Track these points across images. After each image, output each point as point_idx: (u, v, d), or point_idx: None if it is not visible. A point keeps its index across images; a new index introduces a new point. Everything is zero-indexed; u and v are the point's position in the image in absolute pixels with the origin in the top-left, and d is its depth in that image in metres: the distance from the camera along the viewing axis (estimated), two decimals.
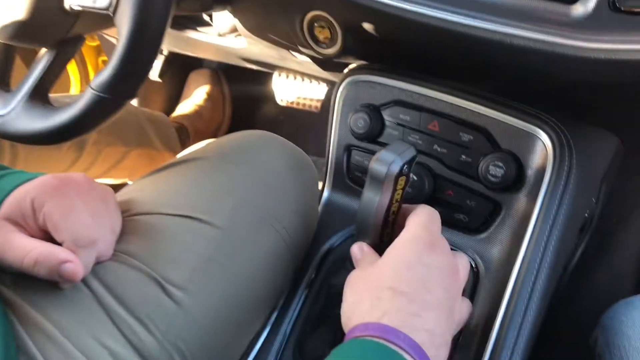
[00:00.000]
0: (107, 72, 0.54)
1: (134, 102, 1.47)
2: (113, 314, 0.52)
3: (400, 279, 0.48)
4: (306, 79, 1.35)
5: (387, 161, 0.54)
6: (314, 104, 1.39)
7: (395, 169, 0.54)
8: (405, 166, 0.55)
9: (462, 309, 0.52)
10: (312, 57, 0.79)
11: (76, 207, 0.51)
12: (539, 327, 0.55)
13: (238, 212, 0.59)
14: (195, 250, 0.56)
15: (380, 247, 0.59)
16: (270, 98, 1.47)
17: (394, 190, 0.55)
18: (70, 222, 0.50)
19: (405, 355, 0.43)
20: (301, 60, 0.90)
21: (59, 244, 0.50)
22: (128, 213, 0.60)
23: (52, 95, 0.98)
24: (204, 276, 0.55)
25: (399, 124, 0.71)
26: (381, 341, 0.44)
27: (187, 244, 0.56)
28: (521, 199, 0.64)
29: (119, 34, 0.52)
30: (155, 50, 0.54)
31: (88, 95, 0.56)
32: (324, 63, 0.81)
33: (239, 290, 0.57)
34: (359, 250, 0.56)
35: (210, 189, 0.60)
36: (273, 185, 0.63)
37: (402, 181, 0.56)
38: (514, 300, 0.55)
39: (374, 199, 0.56)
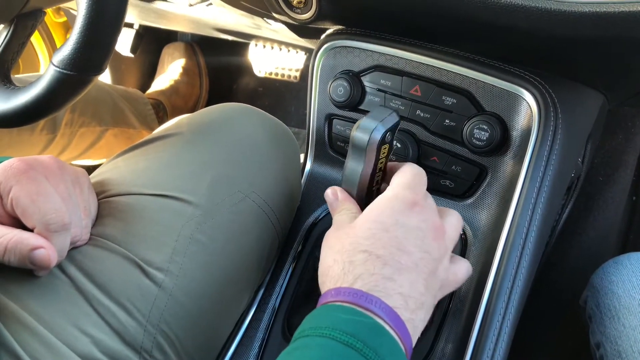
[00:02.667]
0: (68, 47, 0.51)
1: (107, 79, 1.42)
2: (93, 300, 0.50)
3: (375, 240, 0.46)
4: (284, 48, 1.31)
5: (368, 129, 0.52)
6: (293, 73, 1.36)
7: (378, 136, 0.52)
8: (388, 133, 0.53)
9: (456, 270, 0.50)
10: (287, 24, 0.76)
11: (45, 191, 0.48)
12: (529, 291, 0.55)
13: (217, 189, 0.57)
14: (175, 230, 0.54)
15: None
16: (248, 69, 1.43)
17: (377, 158, 0.53)
18: (39, 207, 0.47)
19: (378, 320, 0.41)
20: (277, 28, 0.87)
21: (30, 230, 0.48)
22: (103, 195, 0.57)
23: (17, 75, 0.94)
24: (185, 256, 0.53)
25: (380, 90, 0.69)
26: (353, 306, 0.42)
27: (166, 224, 0.54)
28: (507, 162, 0.63)
29: (78, 4, 0.49)
30: (118, 20, 0.51)
31: (50, 72, 0.52)
32: (300, 29, 0.79)
33: (222, 269, 0.55)
34: (333, 195, 0.54)
35: (187, 165, 0.58)
36: (253, 158, 0.61)
37: (385, 149, 0.54)
38: (504, 264, 0.54)
39: (357, 169, 0.54)
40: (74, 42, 0.50)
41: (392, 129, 0.54)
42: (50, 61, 0.52)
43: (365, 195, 0.55)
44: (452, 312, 0.57)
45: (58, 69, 0.52)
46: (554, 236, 0.81)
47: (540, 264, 0.64)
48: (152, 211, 0.55)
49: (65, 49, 0.51)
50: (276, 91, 1.47)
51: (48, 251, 0.46)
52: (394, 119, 0.54)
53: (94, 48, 0.52)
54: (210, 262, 0.55)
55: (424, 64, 0.66)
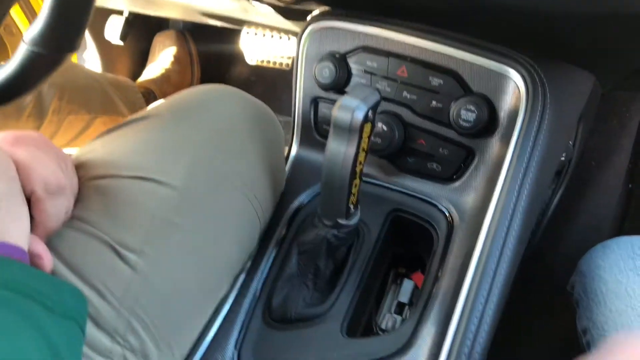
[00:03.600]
0: (38, 24, 0.49)
1: (98, 67, 1.41)
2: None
3: None
4: (275, 35, 1.29)
5: (350, 107, 0.51)
6: (285, 61, 1.34)
7: (361, 115, 0.50)
8: (370, 111, 0.52)
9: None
10: (272, 6, 0.75)
11: (40, 156, 0.48)
12: (514, 275, 0.53)
13: (195, 170, 0.55)
14: (150, 212, 0.52)
15: (348, 200, 0.56)
16: (240, 58, 1.41)
17: (360, 138, 0.52)
18: (37, 169, 0.47)
19: None
20: (264, 11, 0.85)
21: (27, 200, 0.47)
22: (80, 178, 0.56)
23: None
24: (160, 239, 0.52)
25: (366, 72, 0.67)
26: None
27: (141, 206, 0.53)
28: (495, 144, 0.61)
29: None
30: None
31: (22, 51, 0.51)
32: (286, 11, 0.77)
33: (200, 253, 0.54)
34: None
35: (164, 147, 0.56)
36: (233, 140, 0.59)
37: (367, 128, 0.53)
38: (488, 246, 0.53)
39: (340, 150, 0.52)
40: (44, 19, 0.49)
41: (374, 107, 0.52)
42: (22, 39, 0.51)
43: (349, 178, 0.53)
44: (435, 295, 0.55)
45: (29, 48, 0.51)
46: (544, 222, 0.79)
47: (529, 249, 0.63)
48: (128, 193, 0.53)
49: (36, 27, 0.50)
50: (269, 80, 1.45)
51: (45, 261, 0.46)
52: (375, 97, 0.52)
53: (65, 25, 0.50)
54: (187, 245, 0.53)
55: (410, 44, 0.64)
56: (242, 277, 0.61)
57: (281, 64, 1.35)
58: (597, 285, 0.59)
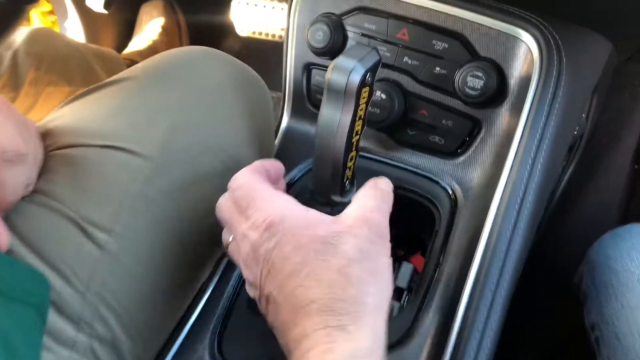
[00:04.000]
0: None
1: (80, 37, 1.34)
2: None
3: None
4: (268, 4, 1.23)
5: (346, 69, 0.45)
6: (278, 32, 1.28)
7: (357, 77, 0.45)
8: (369, 74, 0.46)
9: None
10: None
11: None
12: (524, 260, 0.48)
13: (172, 139, 0.50)
14: (121, 185, 0.47)
15: (343, 175, 0.51)
16: (231, 29, 1.34)
17: (357, 104, 0.46)
18: None
19: None
20: None
21: None
22: (46, 148, 0.50)
23: None
24: (132, 215, 0.46)
25: (363, 35, 0.61)
26: None
27: (112, 178, 0.47)
28: (503, 114, 0.56)
29: None
30: None
31: None
32: None
33: (176, 231, 0.49)
34: None
35: (138, 112, 0.51)
36: (215, 106, 0.53)
37: (365, 93, 0.47)
38: (497, 227, 0.47)
39: (335, 117, 0.47)
40: None
41: (373, 69, 0.46)
42: None
43: (344, 150, 0.48)
44: (438, 279, 0.50)
45: None
46: (553, 202, 0.74)
47: (538, 232, 0.58)
48: (97, 164, 0.48)
49: None
50: (261, 53, 1.38)
51: (0, 238, 0.40)
52: (374, 57, 0.46)
53: None
54: (162, 222, 0.48)
55: (412, 4, 0.59)
56: (225, 260, 0.56)
57: (274, 35, 1.28)
58: (607, 277, 0.54)
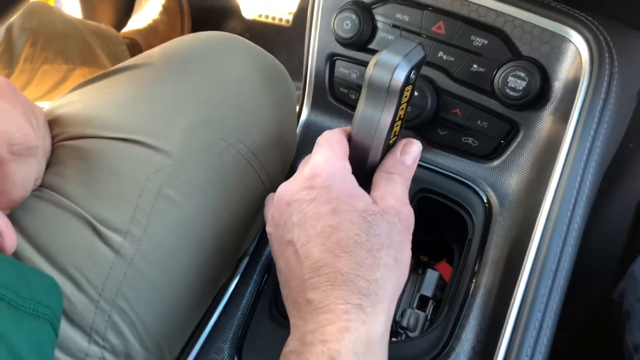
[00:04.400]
0: None
1: (78, 14, 1.28)
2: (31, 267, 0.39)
3: None
4: None
5: (390, 65, 0.41)
6: (284, 17, 1.23)
7: (402, 75, 0.41)
8: (413, 71, 0.42)
9: None
10: None
11: (3, 106, 0.38)
12: (571, 275, 0.45)
13: (194, 134, 0.45)
14: (138, 183, 0.43)
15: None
16: (235, 11, 1.29)
17: (399, 104, 0.43)
18: (2, 121, 0.37)
19: None
20: None
21: None
22: (53, 138, 0.46)
23: None
24: (150, 216, 0.42)
25: (394, 26, 0.57)
26: None
27: (128, 175, 0.43)
28: (545, 118, 0.53)
29: None
30: None
31: None
32: None
33: (197, 233, 0.45)
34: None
35: (157, 103, 0.46)
36: (239, 99, 0.49)
37: (407, 92, 0.43)
38: (546, 242, 0.44)
39: (374, 117, 0.43)
40: None
41: (418, 67, 0.43)
42: None
43: (381, 150, 0.44)
44: (474, 293, 0.47)
45: None
46: None
47: None
48: (112, 159, 0.43)
49: None
50: (265, 37, 1.33)
51: (6, 240, 0.37)
52: (419, 53, 0.43)
53: None
54: (182, 224, 0.44)
55: None
56: (244, 261, 0.52)
57: (280, 19, 1.24)
58: None
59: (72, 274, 0.40)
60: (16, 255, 0.39)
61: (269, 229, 0.44)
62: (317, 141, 0.45)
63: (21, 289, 0.34)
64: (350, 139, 0.45)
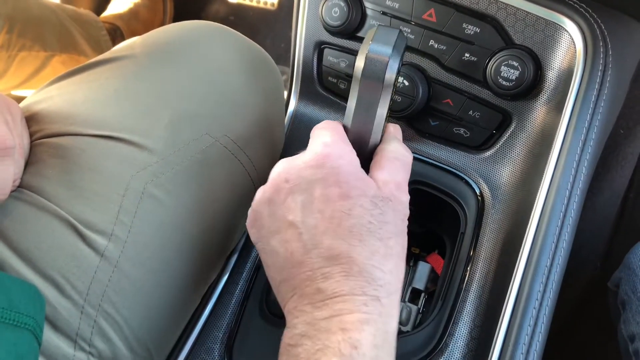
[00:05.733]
0: None
1: None
2: (11, 273, 0.38)
3: None
4: None
5: (383, 56, 0.40)
6: (269, 0, 1.20)
7: (395, 67, 0.40)
8: (400, 61, 0.41)
9: None
10: None
11: None
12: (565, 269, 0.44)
13: (178, 130, 0.44)
14: (122, 182, 0.41)
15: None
16: None
17: (393, 92, 0.41)
18: None
19: None
20: None
21: None
22: (31, 135, 0.44)
23: None
24: (135, 217, 0.41)
25: (384, 13, 0.56)
26: None
27: (111, 174, 0.41)
28: (538, 108, 0.52)
29: None
30: None
31: None
32: None
33: (183, 232, 0.43)
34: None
35: (140, 98, 0.44)
36: (225, 92, 0.48)
37: (397, 81, 0.42)
38: (541, 235, 0.43)
39: (372, 109, 0.41)
40: None
41: (403, 55, 0.41)
42: None
43: (378, 141, 0.43)
44: (468, 288, 0.47)
45: None
46: None
47: None
48: (94, 157, 0.42)
49: None
50: (250, 21, 1.31)
51: None
52: (402, 41, 0.41)
53: None
54: (168, 224, 0.42)
55: None
56: (233, 258, 0.51)
57: (266, 3, 1.21)
58: None
59: (56, 279, 0.38)
60: None
61: (258, 206, 0.40)
62: (315, 128, 0.42)
63: (0, 299, 0.33)
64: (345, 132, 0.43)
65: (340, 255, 0.36)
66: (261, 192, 0.41)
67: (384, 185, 0.39)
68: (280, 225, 0.38)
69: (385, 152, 0.42)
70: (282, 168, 0.40)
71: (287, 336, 0.36)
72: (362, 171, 0.39)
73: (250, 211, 0.41)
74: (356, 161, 0.40)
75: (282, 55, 1.22)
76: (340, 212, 0.37)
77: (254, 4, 1.21)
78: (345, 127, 0.43)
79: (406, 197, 0.41)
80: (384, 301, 0.36)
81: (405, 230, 0.40)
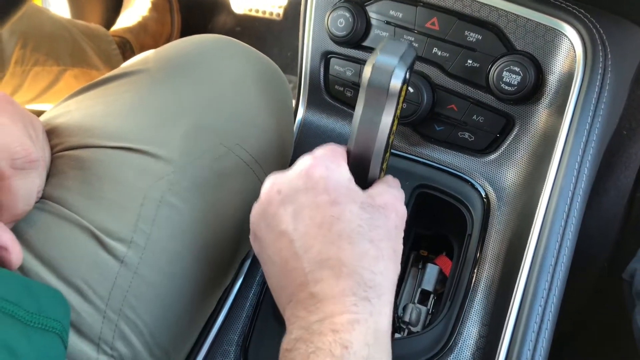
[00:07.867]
0: None
1: (66, 13, 1.26)
2: (38, 281, 0.39)
3: None
4: None
5: (389, 67, 0.41)
6: (275, 10, 1.22)
7: (400, 78, 0.41)
8: (408, 72, 0.42)
9: None
10: None
11: (5, 124, 0.38)
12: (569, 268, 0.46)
13: (193, 141, 0.46)
14: (140, 191, 0.43)
15: (379, 176, 0.47)
16: (225, 5, 1.28)
17: (398, 104, 0.43)
18: (2, 136, 0.37)
19: None
20: None
21: None
22: (52, 148, 0.46)
23: None
24: (153, 224, 0.42)
25: (388, 23, 0.57)
26: None
27: (130, 184, 0.43)
28: (540, 112, 0.53)
29: None
30: None
31: None
32: None
33: (200, 239, 0.45)
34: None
35: (155, 111, 0.46)
36: (236, 103, 0.49)
37: (404, 91, 0.44)
38: (545, 236, 0.45)
39: (375, 120, 0.43)
40: None
41: (411, 66, 0.43)
42: None
43: (383, 151, 0.45)
44: (475, 288, 0.48)
45: None
46: None
47: None
48: (113, 168, 0.44)
49: None
50: (256, 31, 1.33)
51: (12, 254, 0.37)
52: (412, 53, 0.43)
53: None
54: (186, 231, 0.44)
55: None
56: (247, 263, 0.53)
57: (271, 13, 1.23)
58: None
59: (79, 286, 0.40)
60: (22, 268, 0.39)
61: (255, 220, 0.42)
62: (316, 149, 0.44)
63: (30, 305, 0.34)
64: (349, 146, 0.45)
65: (330, 259, 0.37)
66: (256, 207, 0.43)
67: (377, 195, 0.41)
68: (274, 235, 0.40)
69: (382, 179, 0.44)
70: (274, 181, 0.42)
71: (284, 342, 0.37)
72: (352, 182, 0.41)
73: (250, 226, 0.43)
74: (346, 173, 0.41)
75: (289, 64, 1.24)
76: (330, 217, 0.38)
77: (260, 14, 1.23)
78: (348, 150, 0.44)
79: (402, 208, 0.42)
80: (375, 301, 0.37)
81: (400, 237, 0.41)
